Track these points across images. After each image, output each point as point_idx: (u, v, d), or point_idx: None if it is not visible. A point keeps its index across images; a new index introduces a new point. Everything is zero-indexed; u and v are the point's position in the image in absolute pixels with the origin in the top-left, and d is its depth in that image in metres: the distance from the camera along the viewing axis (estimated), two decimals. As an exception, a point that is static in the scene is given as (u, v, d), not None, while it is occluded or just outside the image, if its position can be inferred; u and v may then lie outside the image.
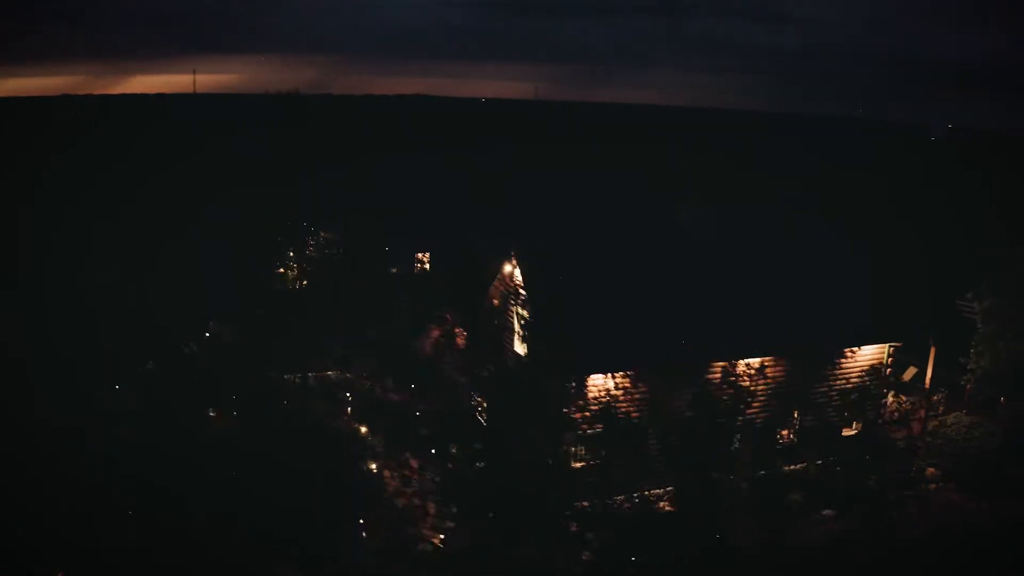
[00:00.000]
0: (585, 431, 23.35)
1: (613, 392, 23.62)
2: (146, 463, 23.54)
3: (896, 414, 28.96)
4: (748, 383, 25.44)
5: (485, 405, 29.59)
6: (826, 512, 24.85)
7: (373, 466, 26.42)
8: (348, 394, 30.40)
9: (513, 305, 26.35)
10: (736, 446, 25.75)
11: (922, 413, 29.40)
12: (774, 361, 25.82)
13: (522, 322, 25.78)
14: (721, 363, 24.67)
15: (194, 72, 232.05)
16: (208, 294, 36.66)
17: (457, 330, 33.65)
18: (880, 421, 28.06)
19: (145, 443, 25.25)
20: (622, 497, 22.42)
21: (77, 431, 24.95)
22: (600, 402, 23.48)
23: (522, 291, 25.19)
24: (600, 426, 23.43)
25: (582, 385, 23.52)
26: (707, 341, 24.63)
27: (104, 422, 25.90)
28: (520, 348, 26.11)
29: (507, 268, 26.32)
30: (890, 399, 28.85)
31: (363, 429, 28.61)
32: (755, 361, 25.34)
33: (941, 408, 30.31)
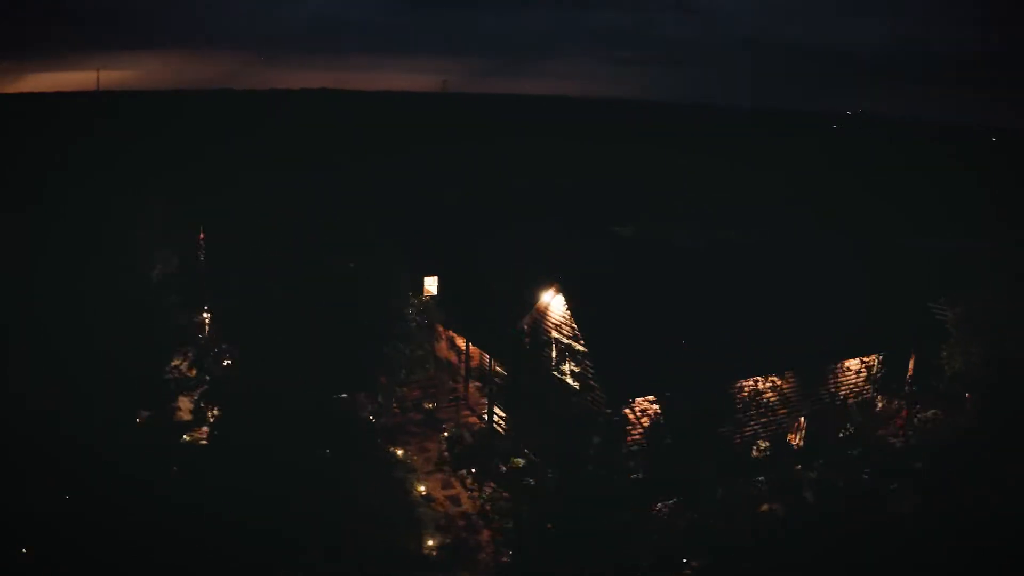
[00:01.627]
0: (630, 448, 25.24)
1: (653, 410, 25.58)
2: (152, 468, 24.16)
3: (883, 415, 31.92)
4: (763, 396, 28.02)
5: (509, 422, 31.20)
6: (833, 509, 27.20)
7: (422, 488, 27.55)
8: (371, 417, 31.39)
9: (555, 331, 27.95)
10: (755, 451, 28.30)
11: (904, 412, 32.43)
12: (785, 376, 28.31)
13: (564, 347, 27.41)
14: (743, 381, 27.06)
15: (98, 70, 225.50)
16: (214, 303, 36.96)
17: (475, 350, 35.13)
18: (873, 422, 30.94)
19: (152, 448, 25.80)
20: (666, 506, 24.40)
21: (78, 433, 25.33)
22: (642, 421, 25.46)
23: (568, 319, 26.87)
24: (643, 440, 25.44)
25: (628, 406, 25.41)
26: (729, 361, 26.82)
27: (105, 425, 26.25)
28: (560, 371, 27.80)
29: (546, 297, 27.88)
30: (878, 401, 31.79)
31: (398, 452, 29.71)
32: (768, 377, 27.84)
33: (918, 407, 33.32)
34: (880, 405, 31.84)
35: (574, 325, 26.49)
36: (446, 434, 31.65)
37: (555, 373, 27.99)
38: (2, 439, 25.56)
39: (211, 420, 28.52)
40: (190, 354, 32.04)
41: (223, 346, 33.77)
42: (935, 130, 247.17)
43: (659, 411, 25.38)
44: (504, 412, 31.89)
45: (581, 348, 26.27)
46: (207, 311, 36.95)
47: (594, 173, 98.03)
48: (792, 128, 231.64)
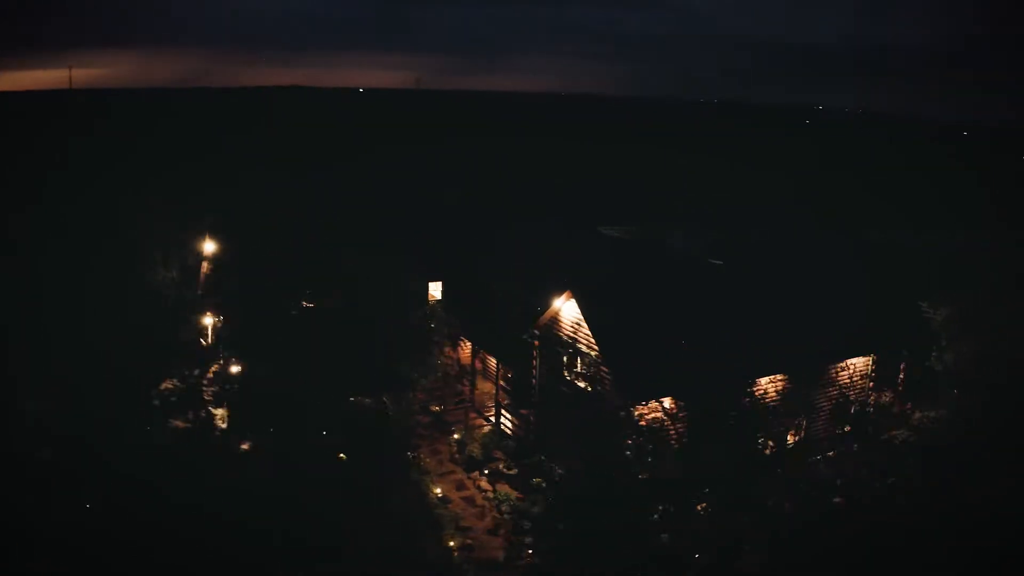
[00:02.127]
0: (642, 447, 26.07)
1: (664, 411, 26.48)
2: (158, 470, 24.53)
3: (878, 412, 33.05)
4: (766, 397, 29.00)
5: (518, 423, 31.98)
6: (836, 500, 28.10)
7: (438, 490, 28.21)
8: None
9: (566, 336, 28.73)
10: (761, 448, 29.22)
11: (896, 410, 33.60)
12: (786, 377, 29.33)
13: (572, 352, 28.21)
14: (749, 381, 28.04)
15: (70, 68, 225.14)
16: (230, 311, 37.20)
17: (482, 354, 35.81)
18: (870, 415, 32.06)
19: (162, 450, 26.13)
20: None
21: (80, 432, 25.59)
22: (653, 422, 26.36)
23: (579, 323, 27.67)
24: (654, 442, 26.29)
25: (638, 408, 26.31)
26: (736, 363, 27.74)
27: (107, 426, 26.55)
28: (571, 375, 28.60)
29: (557, 303, 28.63)
30: (872, 399, 32.92)
31: (412, 455, 30.31)
32: (772, 378, 28.85)
33: (909, 405, 34.52)
34: (877, 402, 32.96)
35: (586, 329, 27.28)
36: (456, 436, 32.32)
37: (567, 376, 28.78)
38: (5, 440, 25.87)
39: (225, 425, 28.95)
40: (214, 367, 32.11)
41: (231, 356, 34.03)
42: (911, 125, 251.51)
43: (671, 412, 26.26)
44: (512, 415, 32.65)
45: (594, 352, 27.05)
46: (214, 316, 37.18)
47: (576, 170, 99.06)
48: (766, 122, 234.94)
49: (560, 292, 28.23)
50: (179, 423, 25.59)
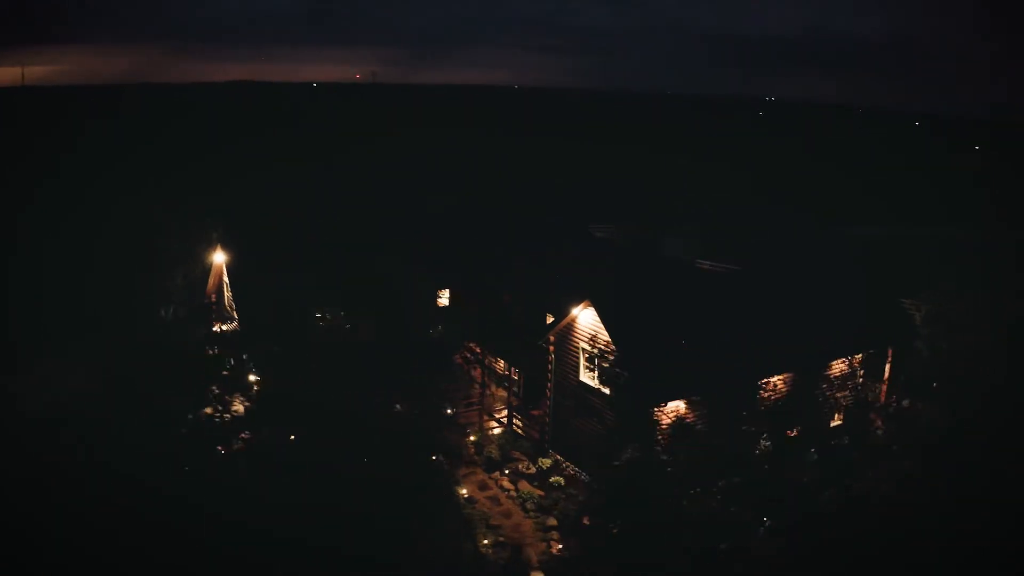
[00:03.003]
0: (663, 445, 27.64)
1: (682, 412, 28.13)
2: (160, 470, 25.26)
3: (867, 406, 35.00)
4: (771, 395, 30.74)
5: (530, 425, 33.37)
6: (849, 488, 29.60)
7: (464, 491, 29.51)
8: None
9: (583, 341, 30.19)
10: (767, 444, 30.95)
11: (881, 402, 35.60)
12: (788, 376, 31.13)
13: (592, 356, 29.68)
14: (757, 382, 29.77)
15: (22, 66, 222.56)
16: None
17: (490, 357, 37.03)
18: (860, 412, 33.97)
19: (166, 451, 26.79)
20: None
21: (82, 435, 26.26)
22: (672, 421, 27.96)
23: (596, 329, 29.14)
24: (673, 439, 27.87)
25: (659, 409, 27.92)
26: (749, 363, 29.44)
27: (109, 430, 27.20)
28: (587, 378, 30.10)
29: (575, 311, 30.05)
30: (867, 396, 34.85)
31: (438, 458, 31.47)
32: (776, 377, 30.62)
33: (894, 398, 36.53)
34: (865, 397, 34.92)
35: (604, 334, 28.75)
36: (472, 438, 33.61)
37: (584, 380, 30.25)
38: (8, 444, 26.45)
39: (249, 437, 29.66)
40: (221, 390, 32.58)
41: (249, 363, 34.61)
42: (908, 122, 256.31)
43: (691, 411, 27.88)
44: (525, 416, 34.07)
45: (612, 356, 28.50)
46: (231, 327, 37.88)
47: (571, 168, 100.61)
48: (721, 114, 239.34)
49: (577, 300, 29.62)
50: (231, 448, 26.34)
